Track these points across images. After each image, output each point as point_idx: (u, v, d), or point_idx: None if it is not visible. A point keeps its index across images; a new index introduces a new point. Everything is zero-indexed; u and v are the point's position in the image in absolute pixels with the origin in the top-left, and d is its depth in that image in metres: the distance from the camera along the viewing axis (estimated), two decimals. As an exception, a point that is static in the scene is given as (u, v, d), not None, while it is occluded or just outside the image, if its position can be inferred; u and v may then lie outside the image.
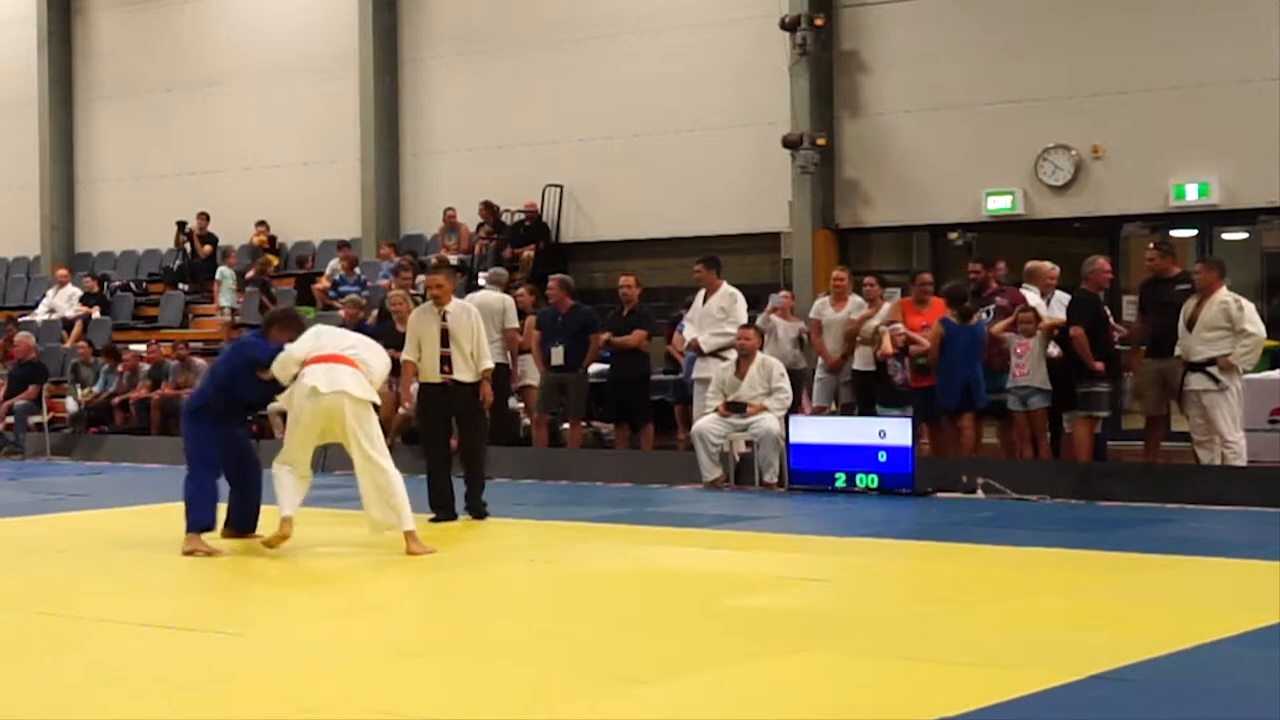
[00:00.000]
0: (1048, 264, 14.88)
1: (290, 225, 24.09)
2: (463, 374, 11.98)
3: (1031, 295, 14.49)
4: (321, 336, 10.78)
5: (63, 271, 24.97)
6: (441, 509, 12.13)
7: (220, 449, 10.83)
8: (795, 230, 19.58)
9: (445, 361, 11.94)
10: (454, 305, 12.12)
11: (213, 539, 10.64)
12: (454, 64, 22.70)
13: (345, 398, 10.26)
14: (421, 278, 19.89)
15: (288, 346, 10.56)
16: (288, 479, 10.43)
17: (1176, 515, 12.06)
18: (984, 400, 14.14)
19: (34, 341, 21.45)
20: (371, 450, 10.32)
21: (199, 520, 10.59)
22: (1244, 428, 13.36)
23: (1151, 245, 14.44)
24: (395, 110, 23.25)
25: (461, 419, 12.19)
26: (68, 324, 23.66)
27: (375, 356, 10.71)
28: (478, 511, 12.16)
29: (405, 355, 12.19)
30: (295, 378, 10.40)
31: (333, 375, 10.32)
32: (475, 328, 12.02)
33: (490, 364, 12.19)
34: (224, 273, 22.89)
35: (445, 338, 11.93)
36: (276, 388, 10.72)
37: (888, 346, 13.61)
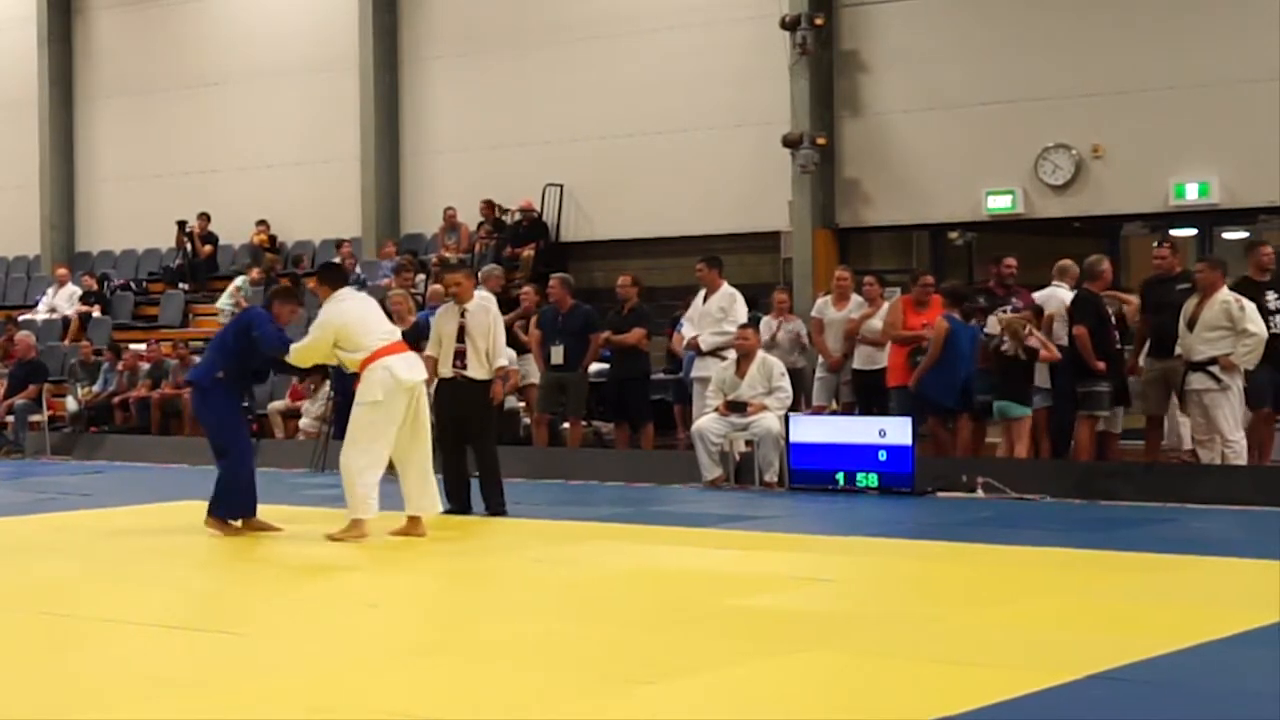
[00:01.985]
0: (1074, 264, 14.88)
1: (290, 225, 24.10)
2: (475, 371, 12.12)
3: (1061, 291, 14.48)
4: (368, 318, 11.15)
5: (62, 271, 24.96)
6: (455, 501, 12.25)
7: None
8: (795, 230, 19.58)
9: (459, 357, 12.12)
10: (473, 303, 12.27)
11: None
12: (454, 64, 22.70)
13: (422, 385, 11.09)
14: (421, 277, 20.00)
15: (324, 314, 11.17)
16: (376, 479, 10.86)
17: (1177, 515, 12.06)
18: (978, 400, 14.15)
19: (34, 341, 21.45)
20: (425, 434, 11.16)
21: (245, 505, 11.29)
22: (1245, 427, 13.38)
23: (1160, 243, 14.44)
24: (395, 110, 23.25)
25: (471, 416, 12.24)
26: (68, 323, 23.65)
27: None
28: (494, 508, 12.22)
29: (428, 351, 12.40)
30: (364, 365, 10.91)
31: (414, 365, 11.05)
32: (492, 326, 12.19)
33: (504, 362, 12.32)
34: (240, 282, 22.83)
35: (462, 334, 12.12)
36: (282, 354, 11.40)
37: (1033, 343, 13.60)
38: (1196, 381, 13.15)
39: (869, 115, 19.50)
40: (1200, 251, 16.96)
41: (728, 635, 7.39)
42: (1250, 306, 13.25)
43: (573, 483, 15.15)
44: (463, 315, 12.14)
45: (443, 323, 12.30)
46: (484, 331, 12.11)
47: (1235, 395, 13.15)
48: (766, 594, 8.57)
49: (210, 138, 24.85)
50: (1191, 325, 13.19)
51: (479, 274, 17.89)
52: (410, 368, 10.93)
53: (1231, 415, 13.14)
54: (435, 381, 12.44)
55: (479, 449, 12.34)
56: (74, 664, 6.99)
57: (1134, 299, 14.58)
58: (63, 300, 24.25)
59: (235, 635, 7.62)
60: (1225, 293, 13.22)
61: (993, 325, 14.19)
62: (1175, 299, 13.45)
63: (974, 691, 6.06)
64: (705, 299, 15.76)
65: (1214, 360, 13.04)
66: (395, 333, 11.11)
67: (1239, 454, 13.12)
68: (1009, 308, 14.49)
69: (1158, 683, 6.33)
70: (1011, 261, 15.25)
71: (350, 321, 10.97)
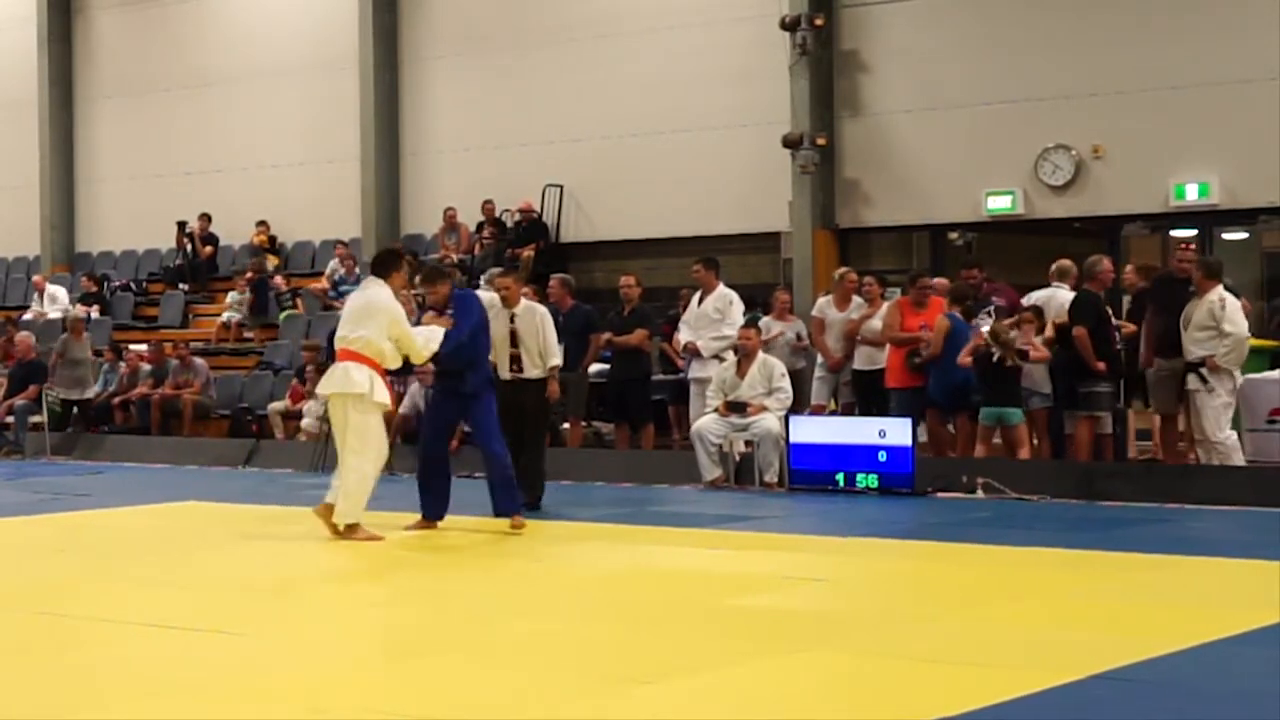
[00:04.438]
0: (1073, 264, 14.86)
1: (290, 225, 24.10)
2: (531, 371, 12.44)
3: (1062, 292, 14.48)
4: (346, 319, 11.25)
5: (38, 278, 24.89)
6: (531, 494, 12.49)
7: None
8: (795, 230, 19.58)
9: (515, 360, 12.39)
10: (522, 307, 12.57)
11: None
12: (454, 64, 22.70)
13: (338, 397, 10.91)
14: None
15: None
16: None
17: (1176, 515, 12.07)
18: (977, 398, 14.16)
19: (34, 341, 21.43)
20: (350, 443, 10.86)
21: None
22: (1247, 428, 13.39)
23: (1185, 245, 14.50)
24: (395, 110, 23.25)
25: (527, 414, 12.44)
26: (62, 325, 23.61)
27: (374, 328, 10.90)
28: (532, 503, 12.42)
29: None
30: None
31: (331, 377, 11.03)
32: (540, 327, 12.49)
33: (558, 360, 12.65)
34: (235, 297, 22.86)
35: (514, 338, 12.38)
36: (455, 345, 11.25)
37: None
38: (1191, 382, 13.21)
39: (869, 115, 19.50)
40: (1201, 253, 16.95)
41: (728, 635, 7.39)
42: (1232, 305, 13.28)
43: (573, 483, 15.12)
44: (512, 320, 12.40)
45: (495, 327, 12.39)
46: (533, 333, 12.41)
47: (1221, 396, 13.17)
48: (766, 594, 8.57)
49: (210, 138, 24.85)
50: (1187, 326, 13.27)
51: (482, 277, 17.92)
52: (325, 381, 11.10)
53: (1215, 416, 13.16)
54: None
55: (531, 443, 12.57)
56: (74, 664, 6.99)
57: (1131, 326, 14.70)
58: (47, 303, 24.16)
59: (235, 635, 7.61)
60: (1213, 292, 13.27)
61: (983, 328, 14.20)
62: (1186, 299, 13.49)
63: (974, 691, 6.06)
64: (700, 300, 15.76)
65: (1204, 361, 13.12)
66: (345, 340, 10.99)
67: (1225, 455, 13.13)
68: (990, 309, 14.51)
69: (1158, 683, 6.33)
70: (973, 272, 15.34)
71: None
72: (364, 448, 10.84)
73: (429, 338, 11.11)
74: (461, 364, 11.32)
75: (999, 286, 15.19)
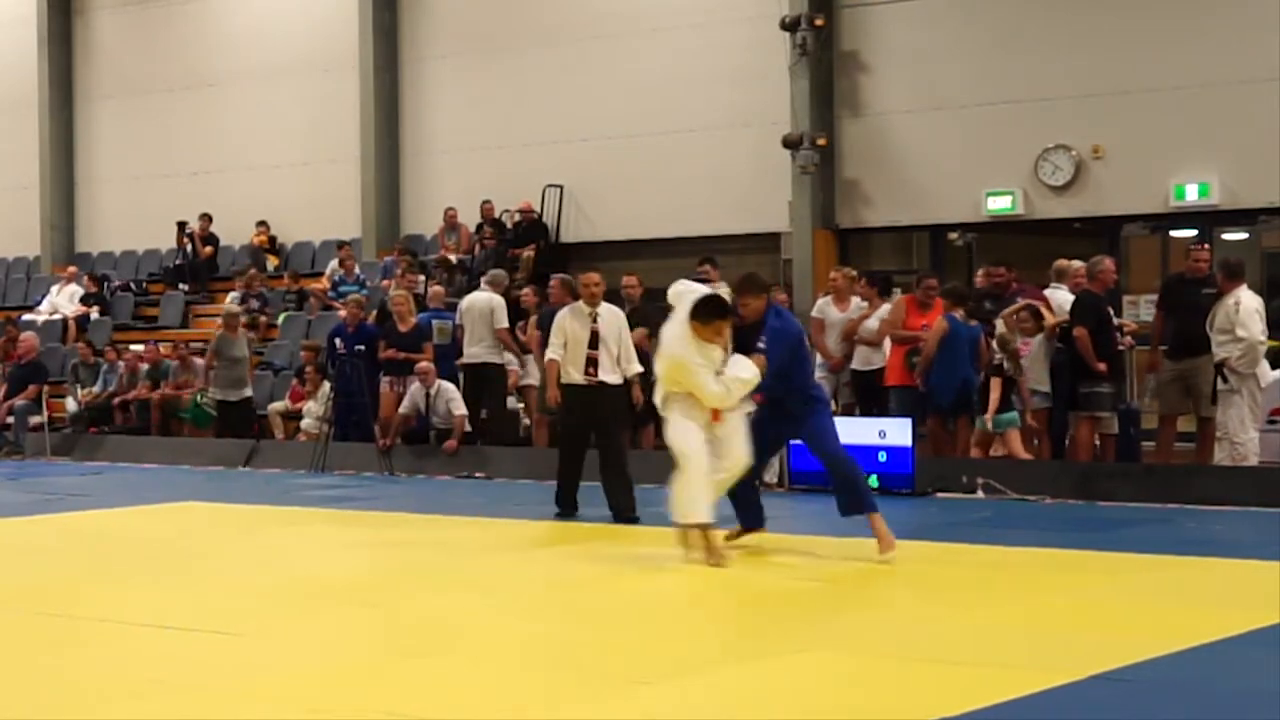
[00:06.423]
0: (1077, 262, 14.80)
1: (290, 225, 24.11)
2: (609, 376, 11.87)
3: (1060, 293, 14.48)
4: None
5: (72, 269, 24.95)
6: (567, 506, 12.16)
7: None
8: (795, 230, 19.59)
9: (591, 363, 11.78)
10: (604, 308, 12.01)
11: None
12: (454, 64, 22.71)
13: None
14: (421, 277, 19.98)
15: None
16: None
17: (1177, 515, 12.07)
18: (977, 401, 14.15)
19: (38, 342, 21.43)
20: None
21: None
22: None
23: (1198, 245, 14.54)
24: (395, 110, 23.26)
25: (605, 421, 11.94)
26: (67, 324, 23.61)
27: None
28: (628, 515, 11.81)
29: (551, 354, 12.04)
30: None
31: None
32: (622, 331, 11.96)
33: (639, 367, 12.05)
34: (234, 297, 22.91)
35: (595, 339, 11.81)
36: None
37: None
38: (1219, 383, 13.27)
39: (869, 115, 19.51)
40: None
41: (728, 635, 7.39)
42: (1246, 309, 13.29)
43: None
44: (595, 320, 11.85)
45: (574, 327, 11.87)
46: (616, 336, 11.87)
47: (1245, 397, 13.21)
48: (767, 594, 8.57)
49: (210, 138, 24.85)
50: (1211, 326, 13.34)
51: (483, 278, 17.88)
52: None
53: (1239, 416, 13.20)
54: (553, 386, 12.07)
55: (615, 452, 11.93)
56: (73, 664, 6.99)
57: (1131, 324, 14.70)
58: (65, 299, 24.23)
59: (234, 635, 7.61)
60: (1234, 294, 13.31)
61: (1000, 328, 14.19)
62: (1202, 300, 13.51)
63: (974, 691, 6.06)
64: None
65: (1225, 362, 13.18)
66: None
67: (1245, 455, 13.17)
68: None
69: (1158, 683, 6.33)
70: (1000, 270, 15.22)
71: None
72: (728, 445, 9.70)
73: (729, 390, 9.52)
74: (776, 393, 9.89)
75: (1026, 287, 15.12)
